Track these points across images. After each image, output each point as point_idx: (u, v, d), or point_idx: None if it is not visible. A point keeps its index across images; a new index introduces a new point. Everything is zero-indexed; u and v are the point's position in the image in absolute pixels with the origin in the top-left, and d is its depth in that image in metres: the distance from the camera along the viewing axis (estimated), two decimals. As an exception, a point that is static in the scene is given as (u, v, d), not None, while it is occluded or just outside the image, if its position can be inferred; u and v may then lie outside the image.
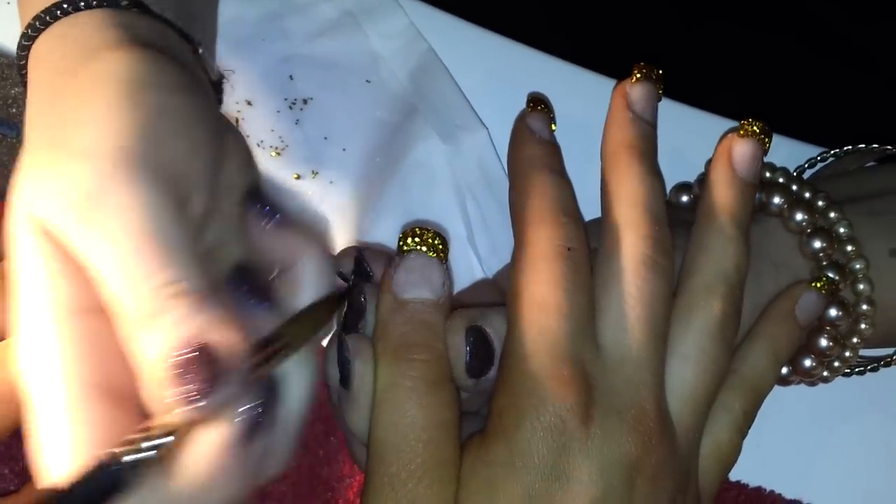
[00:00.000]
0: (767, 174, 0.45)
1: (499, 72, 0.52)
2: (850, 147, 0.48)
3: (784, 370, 0.45)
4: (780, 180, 0.45)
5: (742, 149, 0.43)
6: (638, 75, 0.44)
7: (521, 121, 0.44)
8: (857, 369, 0.47)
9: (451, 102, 0.50)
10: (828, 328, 0.43)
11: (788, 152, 0.51)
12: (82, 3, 0.36)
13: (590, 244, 0.41)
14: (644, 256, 0.39)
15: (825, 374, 0.45)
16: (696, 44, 0.56)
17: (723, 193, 0.42)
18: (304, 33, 0.51)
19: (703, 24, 0.56)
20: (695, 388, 0.39)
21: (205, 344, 0.30)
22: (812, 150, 0.51)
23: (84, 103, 0.33)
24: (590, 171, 0.46)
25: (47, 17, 0.36)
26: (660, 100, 0.44)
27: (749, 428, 0.42)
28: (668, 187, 0.48)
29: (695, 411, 0.39)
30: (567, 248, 0.39)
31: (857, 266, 0.43)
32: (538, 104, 0.44)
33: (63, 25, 0.36)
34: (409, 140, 0.49)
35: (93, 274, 0.32)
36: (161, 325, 0.30)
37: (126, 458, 0.30)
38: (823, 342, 0.43)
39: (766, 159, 0.48)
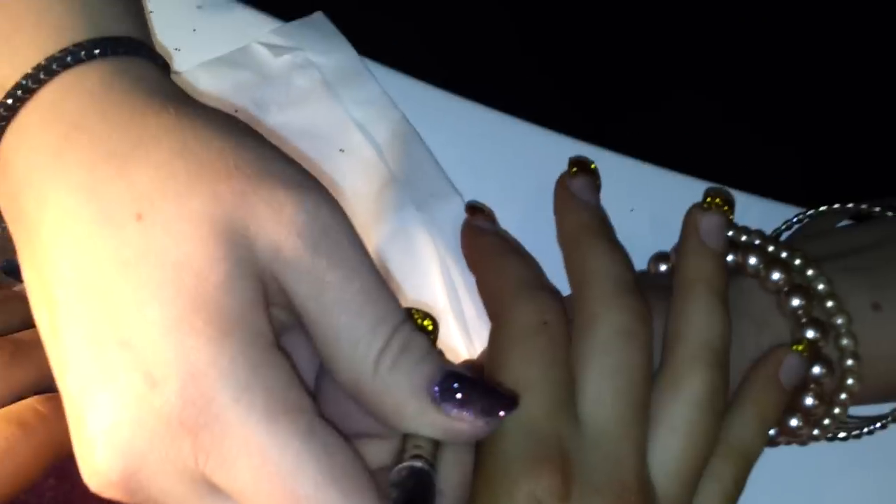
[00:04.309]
0: (744, 237, 0.45)
1: (472, 138, 0.52)
2: (824, 207, 0.48)
3: (771, 431, 0.44)
4: (756, 242, 0.45)
5: (708, 221, 0.44)
6: (574, 169, 0.45)
7: (466, 225, 0.47)
8: (853, 432, 0.46)
9: (425, 170, 0.50)
10: (812, 386, 0.43)
11: (763, 212, 0.51)
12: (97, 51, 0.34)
13: (567, 317, 0.41)
14: (620, 326, 0.39)
15: (815, 432, 0.45)
16: (669, 105, 0.56)
17: (696, 264, 0.43)
18: (277, 103, 0.51)
19: (672, 92, 0.57)
20: (683, 460, 0.39)
21: (460, 371, 0.33)
22: (787, 210, 0.51)
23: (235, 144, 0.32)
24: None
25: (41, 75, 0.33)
26: (598, 189, 0.45)
27: (739, 496, 0.41)
28: (651, 251, 0.48)
29: (683, 484, 0.39)
30: (543, 323, 0.39)
31: (839, 321, 0.43)
32: (475, 212, 0.47)
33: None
34: (385, 209, 0.49)
35: (313, 314, 0.32)
36: (410, 359, 0.32)
37: (426, 467, 0.32)
38: (809, 400, 0.43)
39: (742, 220, 0.49)
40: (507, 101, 0.52)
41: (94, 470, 0.30)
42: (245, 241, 0.31)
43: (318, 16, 0.53)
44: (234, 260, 0.30)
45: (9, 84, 0.33)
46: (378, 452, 0.34)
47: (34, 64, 0.33)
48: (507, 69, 0.56)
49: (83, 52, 0.33)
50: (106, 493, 0.31)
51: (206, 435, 0.29)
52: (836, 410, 0.44)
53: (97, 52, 0.33)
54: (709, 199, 0.44)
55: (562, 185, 0.45)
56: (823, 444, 0.46)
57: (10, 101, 0.33)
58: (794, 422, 0.43)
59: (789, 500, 0.49)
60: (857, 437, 0.46)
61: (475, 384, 0.33)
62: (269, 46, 0.52)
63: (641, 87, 0.57)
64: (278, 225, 0.31)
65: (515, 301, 0.40)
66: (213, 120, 0.33)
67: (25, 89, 0.33)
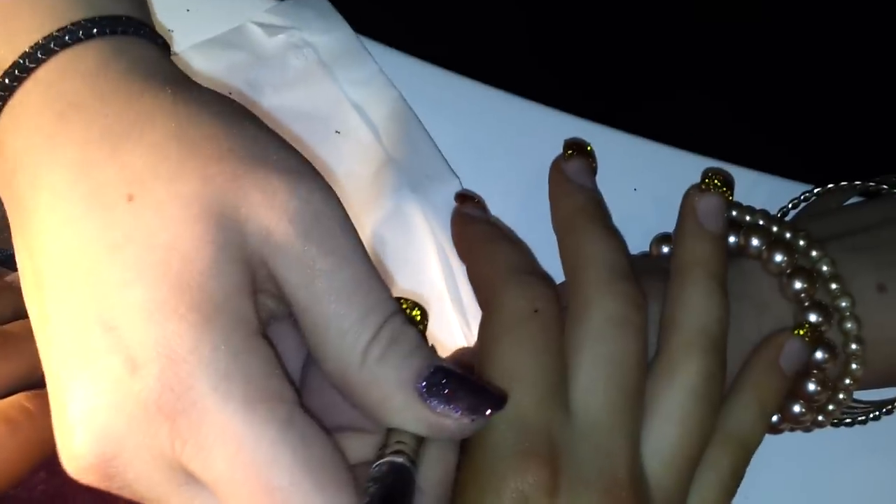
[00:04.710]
0: (747, 217, 0.44)
1: (471, 118, 0.51)
2: (831, 185, 0.47)
3: (773, 417, 0.43)
4: (760, 222, 0.44)
5: (706, 203, 0.42)
6: (570, 152, 0.44)
7: (456, 214, 0.46)
8: (859, 418, 0.45)
9: (422, 152, 0.49)
10: (815, 371, 0.42)
11: (771, 190, 0.50)
12: (95, 31, 0.33)
13: (561, 304, 0.40)
14: (614, 313, 0.38)
15: (819, 418, 0.44)
16: (678, 81, 0.55)
17: (694, 248, 0.41)
18: (272, 85, 0.50)
19: (680, 70, 0.55)
20: (678, 450, 0.38)
21: (449, 367, 0.32)
22: (794, 187, 0.50)
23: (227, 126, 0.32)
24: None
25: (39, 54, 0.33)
26: (594, 173, 0.44)
27: (738, 486, 0.40)
28: (655, 232, 0.47)
29: (678, 474, 0.38)
30: (534, 310, 0.38)
31: (843, 304, 0.42)
32: (465, 200, 0.46)
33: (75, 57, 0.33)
34: (381, 192, 0.48)
35: (303, 302, 0.31)
36: (399, 351, 0.31)
37: (407, 463, 0.31)
38: (811, 386, 0.42)
39: (749, 198, 0.48)
40: (506, 80, 0.51)
41: (72, 454, 0.30)
42: (235, 225, 0.30)
43: (314, -7, 0.52)
44: (221, 243, 0.30)
45: (6, 64, 0.33)
46: (361, 447, 0.33)
47: (31, 43, 0.33)
48: (506, 47, 0.54)
49: (81, 32, 0.33)
50: (83, 478, 0.31)
51: (184, 421, 0.29)
52: (841, 396, 0.42)
53: (95, 31, 0.33)
54: (707, 180, 0.43)
55: (557, 168, 0.44)
56: (829, 429, 0.45)
57: (6, 81, 0.33)
58: (796, 408, 0.42)
59: (794, 488, 0.48)
60: (864, 422, 0.45)
61: (463, 381, 0.32)
62: (264, 26, 0.51)
63: (649, 67, 0.55)
64: (270, 210, 0.31)
65: (506, 288, 0.39)
66: (211, 102, 0.33)
67: (23, 69, 0.33)
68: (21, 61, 0.33)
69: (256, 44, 0.50)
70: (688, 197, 0.43)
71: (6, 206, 0.34)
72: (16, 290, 0.40)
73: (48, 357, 0.31)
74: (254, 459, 0.29)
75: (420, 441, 0.32)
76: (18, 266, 0.33)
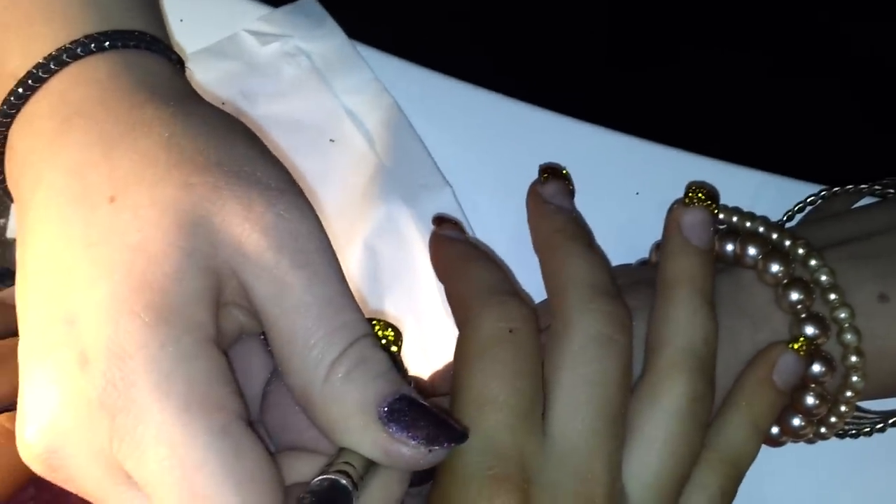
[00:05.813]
0: (747, 224, 0.42)
1: (468, 122, 0.50)
2: (837, 188, 0.45)
3: (774, 430, 0.42)
4: (760, 230, 0.42)
5: (690, 217, 0.41)
6: (545, 176, 0.43)
7: (433, 236, 0.45)
8: (864, 430, 0.44)
9: (415, 160, 0.48)
10: (813, 385, 0.40)
11: (779, 192, 0.49)
12: (107, 43, 0.34)
13: (540, 324, 0.39)
14: (596, 333, 0.37)
15: (822, 430, 0.42)
16: (678, 81, 0.53)
17: (680, 264, 0.40)
18: (266, 94, 0.50)
19: (682, 58, 0.54)
20: (661, 473, 0.37)
21: (414, 396, 0.32)
22: (803, 188, 0.48)
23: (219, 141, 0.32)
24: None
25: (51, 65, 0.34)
26: (572, 195, 0.43)
27: None
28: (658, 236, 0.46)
29: (662, 498, 0.37)
30: (508, 330, 0.37)
31: (842, 315, 0.40)
32: (442, 222, 0.45)
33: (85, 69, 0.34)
34: (373, 201, 0.48)
35: (272, 315, 0.31)
36: (366, 373, 0.31)
37: (349, 486, 0.31)
38: (810, 400, 0.40)
39: (758, 200, 0.46)
40: (502, 83, 0.50)
41: (23, 442, 0.31)
42: (207, 234, 0.31)
43: (308, -1, 0.51)
44: (190, 250, 0.30)
45: (20, 73, 0.34)
46: (314, 467, 0.33)
47: (45, 54, 0.34)
48: (503, 50, 0.53)
49: (93, 44, 0.34)
50: (33, 468, 0.31)
51: (123, 419, 0.29)
52: (843, 408, 0.41)
53: (107, 44, 0.34)
54: (690, 194, 0.42)
55: (533, 192, 0.43)
56: (835, 441, 0.43)
57: (20, 90, 0.34)
58: (796, 421, 0.41)
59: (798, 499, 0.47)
60: (869, 434, 0.43)
61: (427, 412, 0.32)
62: (257, 34, 0.50)
63: (650, 63, 0.54)
64: (245, 220, 0.31)
65: (481, 308, 0.38)
66: (210, 118, 0.33)
67: (36, 79, 0.34)
68: (35, 71, 0.34)
69: (250, 53, 0.50)
70: (672, 212, 0.42)
71: (16, 206, 0.35)
72: (9, 308, 0.40)
73: (20, 348, 0.31)
74: (183, 463, 0.29)
75: (368, 467, 0.32)
76: (17, 262, 0.34)
